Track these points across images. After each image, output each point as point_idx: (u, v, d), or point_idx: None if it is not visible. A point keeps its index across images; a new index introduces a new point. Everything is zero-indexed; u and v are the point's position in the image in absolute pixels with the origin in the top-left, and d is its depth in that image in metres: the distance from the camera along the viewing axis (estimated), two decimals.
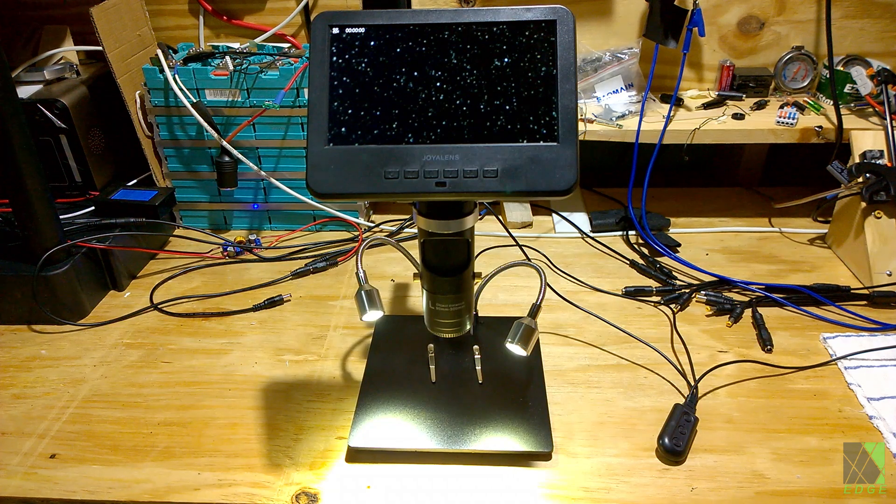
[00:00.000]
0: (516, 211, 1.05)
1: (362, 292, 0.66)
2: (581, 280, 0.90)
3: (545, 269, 0.91)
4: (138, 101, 0.97)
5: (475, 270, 0.64)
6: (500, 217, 1.05)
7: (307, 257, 0.97)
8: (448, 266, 0.61)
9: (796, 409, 0.68)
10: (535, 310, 0.66)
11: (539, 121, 0.49)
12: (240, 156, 0.95)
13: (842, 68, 0.96)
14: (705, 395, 0.70)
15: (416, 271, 0.64)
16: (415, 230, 0.76)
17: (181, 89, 0.92)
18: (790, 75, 1.02)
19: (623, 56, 1.01)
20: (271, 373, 0.75)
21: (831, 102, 0.95)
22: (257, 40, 1.05)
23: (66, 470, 0.64)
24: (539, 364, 0.73)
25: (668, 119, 0.97)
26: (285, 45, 1.05)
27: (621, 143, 0.97)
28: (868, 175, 0.87)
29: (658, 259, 0.94)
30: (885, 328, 0.79)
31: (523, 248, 0.94)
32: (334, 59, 0.51)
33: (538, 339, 0.70)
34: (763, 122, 0.96)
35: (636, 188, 1.00)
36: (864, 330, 0.79)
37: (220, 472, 0.63)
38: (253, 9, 1.07)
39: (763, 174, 1.16)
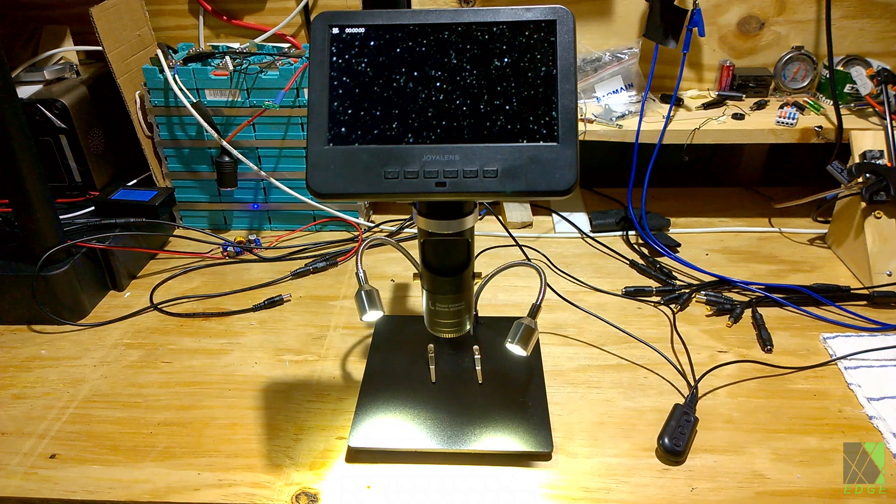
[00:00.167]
0: (516, 211, 1.05)
1: (362, 292, 0.66)
2: (581, 280, 0.90)
3: (545, 269, 0.91)
4: (138, 101, 0.97)
5: (475, 270, 0.64)
6: (500, 217, 1.05)
7: (307, 257, 0.97)
8: (448, 266, 0.61)
9: (796, 410, 0.68)
10: (534, 310, 0.66)
11: (539, 121, 0.49)
12: (240, 156, 0.95)
13: (842, 68, 0.96)
14: (705, 395, 0.70)
15: (416, 271, 0.64)
16: (415, 230, 0.76)
17: (181, 89, 0.92)
18: (790, 75, 1.02)
19: (623, 56, 1.01)
20: (271, 373, 0.75)
21: (831, 102, 0.95)
22: (257, 40, 1.05)
23: (66, 470, 0.64)
24: (539, 364, 0.73)
25: (668, 119, 0.97)
26: (285, 45, 1.05)
27: (621, 143, 0.97)
28: (868, 175, 0.87)
29: (658, 259, 0.94)
30: (885, 328, 0.79)
31: (523, 248, 0.94)
32: (334, 59, 0.51)
33: (538, 340, 0.70)
34: (763, 122, 0.96)
35: (636, 188, 1.00)
36: (863, 330, 0.79)
37: (220, 473, 0.63)
38: (253, 9, 1.07)
39: (763, 174, 1.16)
